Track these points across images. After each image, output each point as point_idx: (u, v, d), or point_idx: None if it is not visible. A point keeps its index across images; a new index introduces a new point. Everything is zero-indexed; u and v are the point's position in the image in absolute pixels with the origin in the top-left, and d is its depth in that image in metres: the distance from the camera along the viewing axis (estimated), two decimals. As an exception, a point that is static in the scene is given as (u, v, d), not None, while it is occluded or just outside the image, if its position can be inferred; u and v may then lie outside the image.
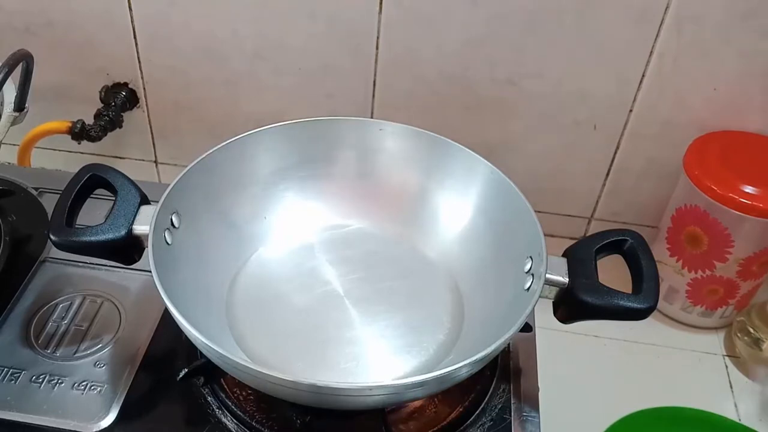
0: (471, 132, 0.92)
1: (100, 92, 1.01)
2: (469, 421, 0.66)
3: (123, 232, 0.63)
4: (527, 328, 0.71)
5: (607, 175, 0.99)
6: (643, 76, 0.88)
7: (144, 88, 1.01)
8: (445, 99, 0.94)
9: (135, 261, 0.66)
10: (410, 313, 0.71)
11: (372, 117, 0.97)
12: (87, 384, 0.66)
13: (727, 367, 0.93)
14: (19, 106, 0.81)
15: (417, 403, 0.66)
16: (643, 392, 0.86)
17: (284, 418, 0.64)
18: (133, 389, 0.66)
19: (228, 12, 0.91)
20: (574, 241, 0.67)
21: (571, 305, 0.63)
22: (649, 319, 0.63)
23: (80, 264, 0.77)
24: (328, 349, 0.67)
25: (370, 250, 0.77)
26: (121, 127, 1.02)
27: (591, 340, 0.92)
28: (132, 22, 0.93)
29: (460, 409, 0.66)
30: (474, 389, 0.67)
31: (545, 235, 0.64)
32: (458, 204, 0.76)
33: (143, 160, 1.09)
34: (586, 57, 0.87)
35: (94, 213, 0.68)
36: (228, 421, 0.64)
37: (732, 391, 0.90)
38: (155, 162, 1.09)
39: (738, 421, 0.85)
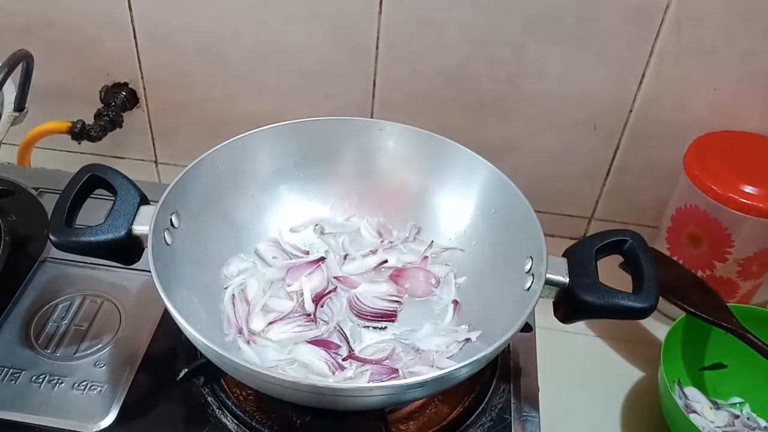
0: (471, 132, 0.92)
1: (100, 92, 1.01)
2: (469, 421, 0.66)
3: (123, 233, 0.63)
4: (527, 328, 0.71)
5: (607, 175, 0.98)
6: (643, 76, 0.88)
7: (144, 88, 1.00)
8: (445, 99, 0.94)
9: (135, 261, 0.66)
10: (410, 313, 0.71)
11: (372, 117, 0.97)
12: (87, 384, 0.66)
13: (727, 367, 0.92)
14: (19, 106, 0.81)
15: (417, 403, 0.66)
16: (644, 392, 0.86)
17: (284, 418, 0.64)
18: (133, 389, 0.66)
19: (228, 12, 0.91)
20: (574, 241, 0.67)
21: (572, 305, 0.63)
22: (650, 319, 0.63)
23: (80, 264, 0.77)
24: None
25: (370, 250, 0.77)
26: (121, 127, 1.02)
27: (591, 340, 0.92)
28: (132, 22, 0.93)
29: (460, 409, 0.66)
30: (474, 389, 0.67)
31: (545, 235, 0.64)
32: (458, 204, 0.76)
33: (143, 160, 1.09)
34: (586, 57, 0.87)
35: (94, 213, 0.68)
36: (228, 421, 0.64)
37: (732, 391, 0.89)
38: (155, 162, 1.09)
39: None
